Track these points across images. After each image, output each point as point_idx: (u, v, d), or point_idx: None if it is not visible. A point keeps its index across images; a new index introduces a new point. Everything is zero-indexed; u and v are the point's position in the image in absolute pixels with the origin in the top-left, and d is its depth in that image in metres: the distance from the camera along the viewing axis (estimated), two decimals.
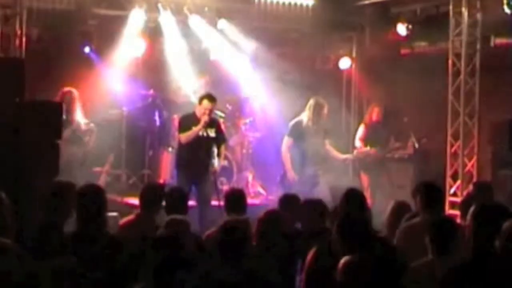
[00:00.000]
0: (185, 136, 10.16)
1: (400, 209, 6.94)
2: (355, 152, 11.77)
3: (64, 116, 10.66)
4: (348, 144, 13.23)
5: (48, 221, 5.65)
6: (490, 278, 4.60)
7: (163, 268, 4.65)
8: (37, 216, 6.74)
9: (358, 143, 11.83)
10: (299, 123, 10.88)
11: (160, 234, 5.34)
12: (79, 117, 10.89)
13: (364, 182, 11.77)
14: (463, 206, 7.01)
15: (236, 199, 7.20)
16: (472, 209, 5.18)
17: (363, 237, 5.13)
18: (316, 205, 6.78)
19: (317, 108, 10.85)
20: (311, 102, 10.94)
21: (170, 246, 4.83)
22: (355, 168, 14.10)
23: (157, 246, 4.87)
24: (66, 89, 10.89)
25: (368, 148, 11.69)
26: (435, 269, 5.31)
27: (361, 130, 11.95)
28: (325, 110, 10.87)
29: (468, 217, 5.18)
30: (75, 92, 10.89)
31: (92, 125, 11.05)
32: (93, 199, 5.75)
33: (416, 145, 11.90)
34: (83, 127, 10.91)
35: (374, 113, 11.95)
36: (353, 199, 6.48)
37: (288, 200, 7.07)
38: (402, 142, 12.01)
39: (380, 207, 9.03)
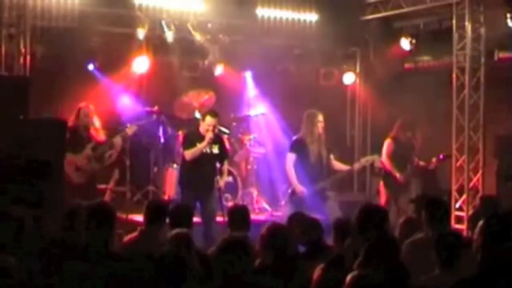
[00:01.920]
0: (190, 153, 10.15)
1: (409, 225, 6.94)
2: (363, 160, 11.57)
3: (81, 133, 10.83)
4: (353, 158, 13.22)
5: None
6: None
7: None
8: (42, 233, 6.76)
9: (385, 159, 11.65)
10: (299, 139, 10.83)
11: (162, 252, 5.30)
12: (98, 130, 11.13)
13: (383, 198, 11.71)
14: (472, 220, 7.00)
15: (239, 215, 7.18)
16: (480, 223, 5.16)
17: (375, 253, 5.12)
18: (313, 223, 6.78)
19: (311, 118, 10.79)
20: (304, 115, 10.91)
21: (174, 264, 4.81)
22: (360, 183, 14.15)
23: (161, 264, 4.84)
24: (81, 104, 11.06)
25: (394, 169, 11.54)
26: (441, 284, 5.28)
27: (387, 145, 11.75)
28: (320, 118, 10.78)
29: (477, 230, 5.17)
30: (90, 106, 11.06)
31: (117, 138, 11.12)
32: (103, 217, 5.75)
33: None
34: (103, 139, 11.07)
35: (402, 130, 11.74)
36: (373, 215, 6.24)
37: (297, 218, 7.04)
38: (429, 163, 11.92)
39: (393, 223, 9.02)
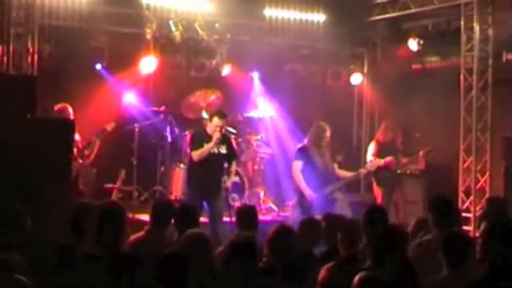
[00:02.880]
0: (198, 154, 10.11)
1: (421, 225, 6.90)
2: (368, 164, 11.50)
3: None
4: (360, 159, 13.19)
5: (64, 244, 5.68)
6: None
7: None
8: (48, 233, 6.77)
9: (370, 158, 11.62)
10: (304, 147, 10.78)
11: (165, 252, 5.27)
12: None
13: (378, 196, 11.66)
14: (480, 221, 6.97)
15: (247, 215, 7.16)
16: (483, 226, 5.17)
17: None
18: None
19: (319, 132, 10.74)
20: (313, 125, 10.85)
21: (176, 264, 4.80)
22: (366, 184, 14.10)
23: (166, 263, 4.83)
24: (60, 105, 10.78)
25: (380, 161, 11.45)
26: (450, 285, 5.27)
27: (372, 147, 11.72)
28: (327, 133, 10.74)
29: (481, 232, 5.18)
30: (69, 108, 10.76)
31: (94, 138, 11.02)
32: (114, 217, 5.75)
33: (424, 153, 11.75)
34: (80, 143, 10.87)
35: (386, 132, 11.71)
36: (377, 217, 6.23)
37: (310, 224, 7.00)
38: (413, 157, 11.90)
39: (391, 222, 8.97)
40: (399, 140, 11.67)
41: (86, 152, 11.00)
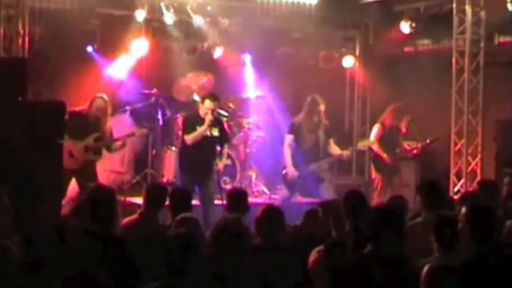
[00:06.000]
0: (191, 138, 10.09)
1: (394, 204, 6.90)
2: (359, 145, 11.54)
3: (90, 121, 10.42)
4: (351, 141, 13.23)
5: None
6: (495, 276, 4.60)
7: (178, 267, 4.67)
8: (41, 216, 6.78)
9: (373, 143, 11.65)
10: (296, 121, 10.87)
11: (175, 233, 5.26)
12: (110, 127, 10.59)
13: (377, 181, 11.71)
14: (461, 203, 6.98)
15: (237, 198, 7.18)
16: (463, 210, 5.24)
17: None
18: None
19: (313, 105, 10.79)
20: (308, 99, 10.90)
21: (186, 244, 4.80)
22: (358, 167, 14.16)
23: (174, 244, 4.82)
24: (99, 94, 10.52)
25: (382, 151, 11.51)
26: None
27: (376, 130, 11.76)
28: (321, 107, 10.77)
29: (461, 218, 5.24)
30: (106, 98, 10.48)
31: (125, 140, 10.77)
32: (105, 201, 5.75)
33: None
34: (115, 137, 10.60)
35: (391, 116, 11.71)
36: (353, 200, 6.28)
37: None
38: (411, 142, 11.96)
39: None
40: (404, 125, 11.73)
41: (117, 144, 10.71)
